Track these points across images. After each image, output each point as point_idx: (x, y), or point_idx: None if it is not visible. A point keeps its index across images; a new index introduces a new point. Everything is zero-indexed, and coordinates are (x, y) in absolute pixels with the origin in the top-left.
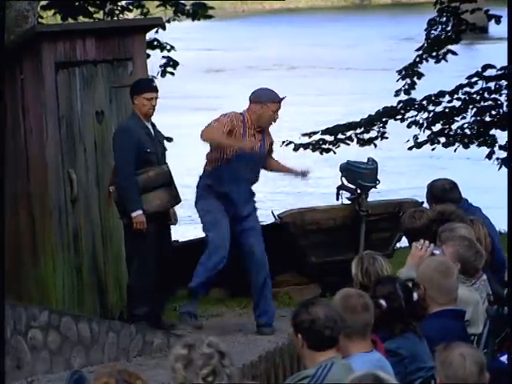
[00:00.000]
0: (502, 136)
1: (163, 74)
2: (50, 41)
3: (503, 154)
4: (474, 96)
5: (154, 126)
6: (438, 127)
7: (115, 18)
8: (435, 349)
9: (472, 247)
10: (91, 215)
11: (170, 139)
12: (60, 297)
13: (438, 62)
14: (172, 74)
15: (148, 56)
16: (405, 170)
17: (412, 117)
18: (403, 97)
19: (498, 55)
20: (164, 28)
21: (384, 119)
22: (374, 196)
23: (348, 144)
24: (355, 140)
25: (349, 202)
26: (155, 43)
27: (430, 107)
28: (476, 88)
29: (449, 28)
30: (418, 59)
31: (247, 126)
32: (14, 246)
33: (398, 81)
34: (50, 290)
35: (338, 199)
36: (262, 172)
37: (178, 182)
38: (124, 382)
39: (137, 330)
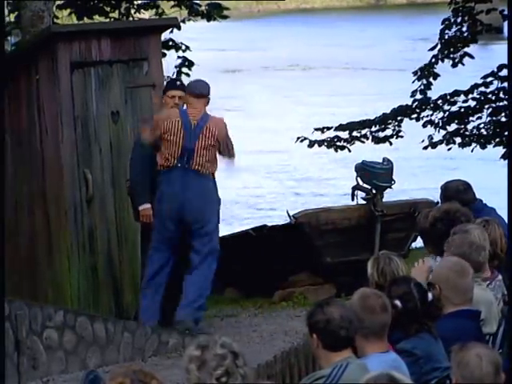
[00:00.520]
0: None
1: (179, 74)
2: (66, 41)
3: None
4: (490, 96)
5: None
6: (453, 127)
7: (130, 18)
8: (451, 349)
9: (464, 243)
10: (106, 215)
11: None
12: (75, 297)
13: (455, 65)
14: (187, 74)
15: (164, 55)
16: (417, 172)
17: (427, 116)
18: (419, 97)
19: None
20: (179, 28)
21: (399, 118)
22: (389, 196)
23: (363, 142)
24: (370, 138)
25: (364, 202)
26: (170, 43)
27: (446, 107)
28: (491, 88)
29: (464, 29)
30: (433, 60)
31: None
32: (29, 246)
33: (413, 82)
34: (66, 290)
35: (353, 199)
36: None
37: None
38: (139, 382)
39: (152, 330)
